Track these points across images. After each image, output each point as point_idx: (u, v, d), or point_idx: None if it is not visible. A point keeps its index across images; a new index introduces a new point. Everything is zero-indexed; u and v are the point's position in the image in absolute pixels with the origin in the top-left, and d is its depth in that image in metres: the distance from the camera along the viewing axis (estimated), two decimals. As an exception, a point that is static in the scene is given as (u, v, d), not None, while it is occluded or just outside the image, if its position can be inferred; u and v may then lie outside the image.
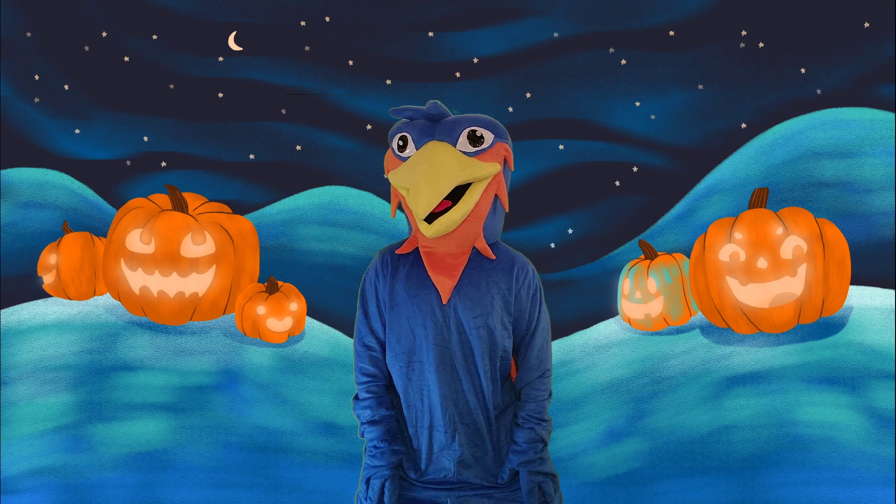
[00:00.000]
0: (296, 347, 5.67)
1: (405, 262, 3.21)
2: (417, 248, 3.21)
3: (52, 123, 6.21)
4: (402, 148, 3.15)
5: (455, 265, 3.17)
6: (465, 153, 3.11)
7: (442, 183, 3.04)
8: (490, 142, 3.15)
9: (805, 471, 4.98)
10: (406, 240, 3.25)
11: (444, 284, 3.14)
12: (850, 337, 5.36)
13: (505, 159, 3.20)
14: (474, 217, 3.14)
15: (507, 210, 3.25)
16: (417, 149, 3.12)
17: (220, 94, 6.20)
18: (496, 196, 3.19)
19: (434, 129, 3.13)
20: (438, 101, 3.17)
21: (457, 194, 3.09)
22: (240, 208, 6.00)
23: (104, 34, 6.21)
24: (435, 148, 3.09)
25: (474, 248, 3.20)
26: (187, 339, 5.63)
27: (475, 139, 3.13)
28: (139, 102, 6.20)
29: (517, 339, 3.24)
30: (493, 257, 3.19)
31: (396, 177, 3.15)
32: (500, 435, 3.23)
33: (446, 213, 3.08)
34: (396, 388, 3.24)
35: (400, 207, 3.23)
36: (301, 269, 5.99)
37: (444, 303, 3.14)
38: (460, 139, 3.12)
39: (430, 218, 3.07)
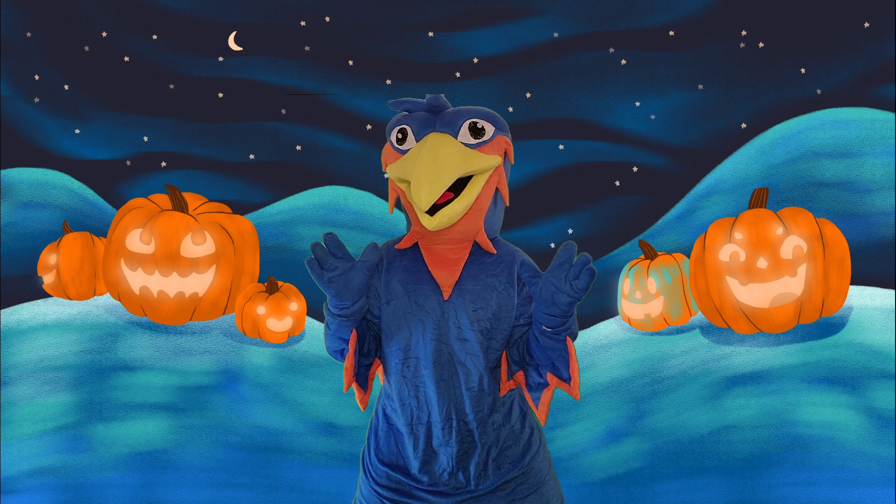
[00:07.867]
0: (296, 347, 5.66)
1: (403, 258, 3.15)
2: (416, 243, 3.16)
3: (52, 123, 6.22)
4: (401, 141, 3.10)
5: (456, 260, 3.12)
6: (466, 145, 3.07)
7: (444, 174, 2.98)
8: (491, 134, 3.11)
9: (805, 471, 4.97)
10: (405, 235, 3.19)
11: (445, 279, 3.10)
12: (850, 337, 5.36)
13: (505, 152, 3.16)
14: (475, 210, 3.09)
15: (508, 204, 3.20)
16: (418, 141, 3.08)
17: (220, 94, 6.20)
18: (497, 189, 3.14)
19: (435, 120, 3.08)
20: (442, 95, 3.14)
21: (458, 187, 3.04)
22: (240, 208, 6.00)
23: (104, 34, 6.22)
24: (436, 139, 3.03)
25: (475, 242, 3.15)
26: (187, 339, 5.63)
27: (476, 131, 3.09)
28: (139, 102, 6.21)
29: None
30: (494, 252, 3.14)
31: (396, 170, 3.09)
32: (491, 433, 3.19)
33: (449, 205, 3.02)
34: (388, 389, 3.21)
35: (398, 203, 3.18)
36: (301, 269, 5.94)
37: (444, 298, 3.09)
38: (461, 131, 3.07)
39: (432, 210, 3.02)
